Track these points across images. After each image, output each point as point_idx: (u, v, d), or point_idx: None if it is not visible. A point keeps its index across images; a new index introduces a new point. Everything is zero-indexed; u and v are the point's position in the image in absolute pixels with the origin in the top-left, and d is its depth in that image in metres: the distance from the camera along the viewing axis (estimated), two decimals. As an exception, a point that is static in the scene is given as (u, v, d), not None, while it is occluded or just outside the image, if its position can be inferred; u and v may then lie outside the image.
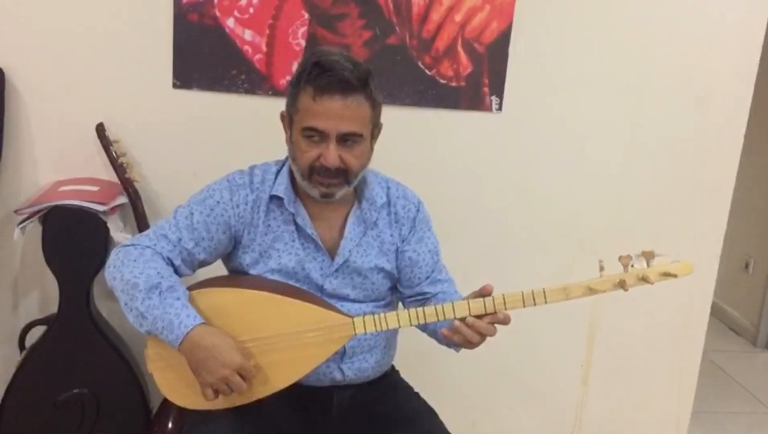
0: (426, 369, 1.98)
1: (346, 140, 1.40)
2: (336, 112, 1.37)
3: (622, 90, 2.28)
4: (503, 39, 2.18)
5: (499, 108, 2.23)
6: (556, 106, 2.27)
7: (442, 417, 1.55)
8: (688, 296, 2.45)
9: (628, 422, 2.58)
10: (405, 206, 1.57)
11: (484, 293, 1.36)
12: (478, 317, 1.36)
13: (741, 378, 3.39)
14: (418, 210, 1.59)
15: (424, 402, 1.60)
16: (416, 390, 1.66)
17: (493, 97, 2.23)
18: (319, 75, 1.36)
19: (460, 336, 1.37)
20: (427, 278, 1.59)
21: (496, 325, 1.37)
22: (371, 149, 1.49)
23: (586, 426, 2.55)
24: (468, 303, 1.37)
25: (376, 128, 1.48)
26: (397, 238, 1.56)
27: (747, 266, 3.88)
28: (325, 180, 1.42)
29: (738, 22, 2.27)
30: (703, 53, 2.28)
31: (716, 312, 3.46)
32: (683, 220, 2.39)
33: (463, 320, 1.36)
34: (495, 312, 1.36)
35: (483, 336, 1.37)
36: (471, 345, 1.38)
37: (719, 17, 2.26)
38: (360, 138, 1.41)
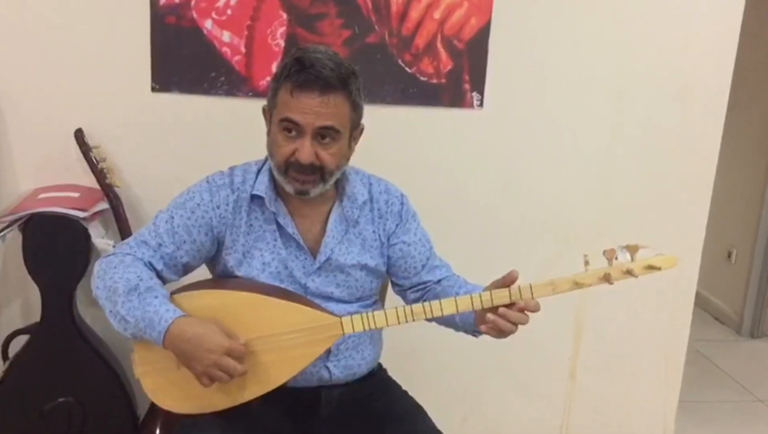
0: (414, 366, 1.98)
1: (323, 136, 1.39)
2: (312, 108, 1.37)
3: (602, 84, 2.29)
4: (482, 35, 2.18)
5: (481, 104, 2.24)
6: (537, 101, 2.28)
7: (432, 414, 1.55)
8: (672, 287, 2.47)
9: (616, 413, 2.59)
10: (388, 201, 1.57)
11: (508, 280, 1.37)
12: (485, 311, 1.37)
13: (726, 367, 3.41)
14: (402, 203, 1.59)
15: (413, 400, 1.60)
16: (405, 388, 1.65)
17: (474, 94, 2.23)
18: (299, 71, 1.37)
19: (494, 327, 1.37)
20: (424, 266, 1.59)
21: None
22: (350, 149, 1.48)
23: (575, 418, 2.57)
24: (455, 301, 1.38)
25: (356, 129, 1.48)
26: (382, 233, 1.56)
27: (730, 255, 3.91)
28: (300, 176, 1.41)
29: (715, 15, 2.28)
30: (681, 47, 2.30)
31: (700, 302, 3.49)
32: (666, 211, 2.41)
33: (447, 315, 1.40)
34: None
35: (515, 325, 1.36)
36: (503, 334, 1.38)
37: (696, 11, 2.27)
38: (337, 135, 1.41)
